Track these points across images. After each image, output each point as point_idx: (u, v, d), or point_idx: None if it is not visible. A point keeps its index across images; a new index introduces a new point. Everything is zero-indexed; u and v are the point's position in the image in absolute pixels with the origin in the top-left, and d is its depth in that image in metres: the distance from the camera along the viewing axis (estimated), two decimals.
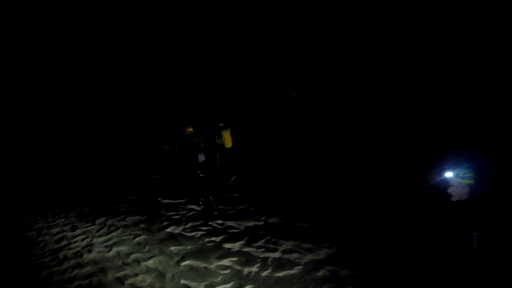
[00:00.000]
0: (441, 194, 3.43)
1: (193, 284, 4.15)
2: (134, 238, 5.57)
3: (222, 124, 8.66)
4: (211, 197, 6.85)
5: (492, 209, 3.12)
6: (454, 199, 3.29)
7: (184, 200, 7.56)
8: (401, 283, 3.92)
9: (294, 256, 4.84)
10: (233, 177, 7.66)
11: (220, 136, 8.47)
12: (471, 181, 3.18)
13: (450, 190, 3.29)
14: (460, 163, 3.25)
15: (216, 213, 6.68)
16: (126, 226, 6.05)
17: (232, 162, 9.25)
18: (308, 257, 4.77)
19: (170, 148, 11.37)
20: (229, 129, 8.47)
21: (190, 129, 6.91)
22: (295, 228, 5.86)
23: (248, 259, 4.77)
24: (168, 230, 5.89)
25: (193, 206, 7.14)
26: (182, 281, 4.20)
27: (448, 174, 3.27)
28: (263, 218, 6.40)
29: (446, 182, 3.27)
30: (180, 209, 6.99)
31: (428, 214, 4.87)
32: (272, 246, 5.18)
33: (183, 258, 4.81)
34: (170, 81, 17.67)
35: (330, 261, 4.63)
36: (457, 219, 3.20)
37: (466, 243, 3.19)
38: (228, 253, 4.97)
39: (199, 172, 6.76)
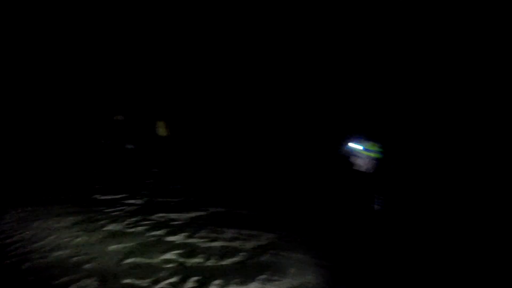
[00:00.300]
0: (349, 162, 3.70)
1: (137, 282, 4.07)
2: (73, 240, 5.30)
3: (157, 116, 8.67)
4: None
5: (391, 180, 3.40)
6: (360, 169, 3.54)
7: (124, 195, 7.33)
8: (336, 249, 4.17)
9: (237, 243, 4.94)
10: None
11: (156, 127, 8.51)
12: (376, 155, 3.44)
13: (356, 160, 3.55)
14: (370, 140, 3.52)
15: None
16: (63, 228, 5.73)
17: (169, 151, 9.24)
18: (252, 243, 4.89)
19: (104, 142, 10.92)
20: (163, 121, 8.52)
21: (119, 117, 6.89)
22: (237, 215, 5.97)
23: (192, 250, 4.77)
24: (108, 228, 5.68)
25: (133, 201, 6.95)
26: (126, 281, 4.10)
27: (358, 147, 3.52)
28: (205, 208, 6.42)
29: (354, 153, 3.53)
30: (120, 205, 6.77)
31: (342, 181, 5.17)
32: (215, 235, 5.23)
33: (125, 256, 4.69)
34: (108, 75, 17.04)
35: (272, 245, 4.79)
36: (364, 186, 3.42)
37: (370, 206, 3.46)
38: (171, 246, 4.92)
39: (127, 159, 6.75)
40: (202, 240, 5.09)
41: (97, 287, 4.06)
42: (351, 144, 3.58)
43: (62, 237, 5.38)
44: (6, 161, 11.01)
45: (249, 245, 4.85)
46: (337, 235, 4.50)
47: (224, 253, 4.67)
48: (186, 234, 5.32)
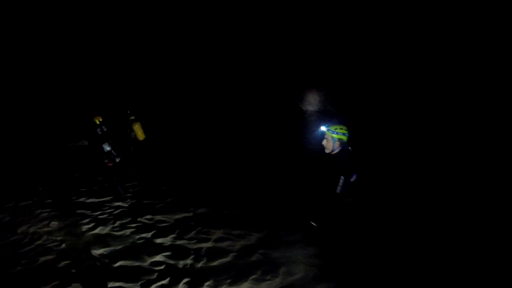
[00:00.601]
0: (318, 146, 3.88)
1: (128, 285, 4.04)
2: (60, 245, 5.21)
3: (133, 117, 8.65)
4: (118, 185, 7.17)
5: (357, 162, 3.59)
6: (326, 151, 3.78)
7: (110, 198, 7.23)
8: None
9: (226, 243, 4.95)
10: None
11: (132, 129, 8.50)
12: (341, 137, 3.69)
13: (323, 142, 3.80)
14: (335, 122, 3.80)
15: (125, 197, 7.13)
16: (49, 233, 5.62)
17: (145, 153, 9.27)
18: (240, 243, 4.92)
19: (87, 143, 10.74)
20: (139, 122, 8.50)
21: (97, 119, 7.16)
22: (225, 216, 5.98)
23: (182, 252, 4.76)
24: (96, 231, 5.61)
25: (120, 203, 6.87)
26: (116, 284, 4.06)
27: (323, 128, 3.77)
28: (191, 209, 6.40)
29: (324, 136, 3.70)
30: (107, 208, 6.68)
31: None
32: (204, 236, 5.23)
33: (114, 260, 4.64)
34: (85, 77, 16.84)
35: (261, 245, 4.83)
36: (330, 168, 3.64)
37: (334, 190, 3.60)
38: (160, 249, 4.90)
39: (106, 161, 6.88)
40: (191, 241, 5.08)
41: None
42: (322, 128, 3.76)
43: (49, 242, 5.29)
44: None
45: (238, 245, 4.87)
46: (325, 231, 4.57)
47: (214, 253, 4.68)
48: (174, 235, 5.30)
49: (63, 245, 5.14)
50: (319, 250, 4.49)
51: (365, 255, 4.36)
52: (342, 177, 3.53)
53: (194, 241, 5.09)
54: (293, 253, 4.52)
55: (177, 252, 4.78)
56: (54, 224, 5.98)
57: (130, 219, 6.05)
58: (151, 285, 4.03)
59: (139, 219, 6.03)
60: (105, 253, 4.84)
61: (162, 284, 4.03)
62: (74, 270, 4.44)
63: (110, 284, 4.06)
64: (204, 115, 16.15)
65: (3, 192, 7.97)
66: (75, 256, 4.81)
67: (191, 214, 6.17)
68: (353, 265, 4.16)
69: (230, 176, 8.51)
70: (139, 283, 4.08)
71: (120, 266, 4.47)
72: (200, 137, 13.79)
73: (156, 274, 4.26)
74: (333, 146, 3.73)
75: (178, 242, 5.08)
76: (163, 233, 5.41)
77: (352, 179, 3.55)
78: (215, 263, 4.44)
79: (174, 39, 18.13)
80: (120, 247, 5.02)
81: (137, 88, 17.75)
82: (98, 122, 7.20)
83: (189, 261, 4.51)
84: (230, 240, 5.02)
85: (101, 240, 5.25)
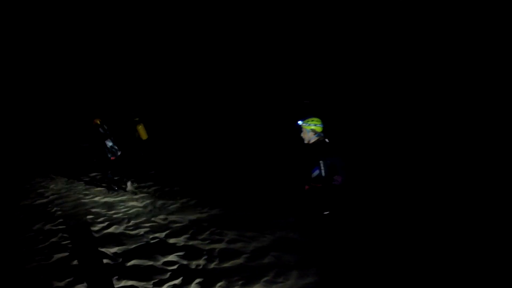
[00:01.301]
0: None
1: (141, 284, 3.98)
2: (74, 243, 5.20)
3: (137, 119, 9.12)
4: (109, 175, 7.85)
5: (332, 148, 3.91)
6: (304, 141, 4.08)
7: (126, 197, 7.24)
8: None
9: (239, 245, 4.86)
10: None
11: (136, 130, 8.97)
12: (313, 128, 3.99)
13: (301, 134, 4.10)
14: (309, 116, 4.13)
15: (116, 189, 7.71)
16: (64, 231, 5.63)
17: (148, 153, 9.56)
18: (253, 245, 4.82)
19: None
20: (142, 124, 9.00)
21: (97, 120, 7.76)
22: (237, 217, 5.90)
23: (195, 253, 4.69)
24: (109, 230, 5.59)
25: (135, 203, 6.86)
26: (129, 283, 4.01)
27: (299, 122, 4.10)
28: (205, 210, 6.34)
29: (301, 129, 4.08)
30: (121, 207, 6.67)
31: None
32: (217, 237, 5.15)
33: (127, 259, 4.60)
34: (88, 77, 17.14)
35: (274, 247, 4.73)
36: (310, 156, 3.92)
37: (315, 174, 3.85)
38: (174, 248, 4.84)
39: (109, 155, 7.61)
40: (204, 242, 5.00)
41: None
42: (298, 122, 4.04)
43: (63, 239, 5.28)
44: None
45: (251, 246, 4.77)
46: (337, 234, 4.46)
47: (227, 255, 4.59)
48: (187, 236, 5.23)
49: (77, 243, 5.13)
50: (332, 254, 4.37)
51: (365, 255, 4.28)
52: (321, 162, 3.77)
53: (207, 242, 5.01)
54: (305, 256, 4.41)
55: (190, 252, 4.70)
56: (69, 222, 5.99)
57: (144, 218, 6.01)
58: (163, 284, 3.96)
59: (153, 219, 5.99)
60: (118, 251, 4.80)
61: (175, 284, 3.95)
62: (87, 268, 4.41)
63: (123, 283, 4.01)
64: (209, 116, 16.28)
65: (19, 189, 8.07)
66: (89, 254, 4.78)
67: (204, 215, 6.10)
68: (368, 269, 4.03)
69: (239, 176, 8.48)
70: (152, 282, 4.02)
71: (133, 265, 4.42)
72: (208, 137, 13.84)
73: (169, 273, 4.19)
74: (308, 136, 4.02)
75: (191, 243, 5.01)
76: (176, 233, 5.35)
77: (327, 163, 3.80)
78: (227, 264, 4.35)
79: (178, 42, 18.32)
80: (133, 246, 4.97)
81: (143, 91, 18.02)
82: (98, 123, 7.76)
83: (202, 262, 4.43)
84: (243, 242, 4.92)
85: (115, 239, 5.22)
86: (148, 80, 18.44)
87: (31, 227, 5.79)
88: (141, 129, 9.08)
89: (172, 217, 6.03)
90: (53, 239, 5.27)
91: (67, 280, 4.10)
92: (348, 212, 5.49)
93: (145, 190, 7.75)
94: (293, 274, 4.02)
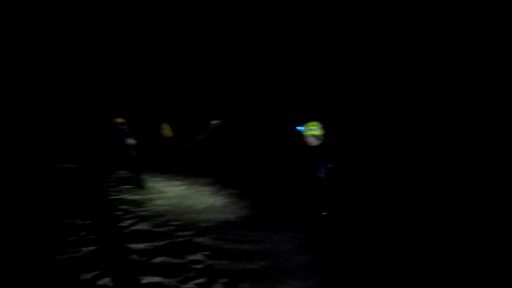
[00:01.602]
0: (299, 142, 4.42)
1: (166, 280, 3.92)
2: (103, 238, 5.22)
3: (160, 118, 9.73)
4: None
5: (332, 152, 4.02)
6: (307, 144, 4.20)
7: (154, 196, 7.29)
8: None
9: (266, 246, 4.74)
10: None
11: (161, 128, 9.42)
12: (313, 133, 4.12)
13: (303, 138, 4.22)
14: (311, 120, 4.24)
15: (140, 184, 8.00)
16: (94, 226, 5.68)
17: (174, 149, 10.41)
18: (282, 247, 4.69)
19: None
20: (165, 123, 9.51)
21: (119, 120, 8.26)
22: (265, 219, 5.79)
23: (221, 253, 4.59)
24: (136, 227, 5.60)
25: (163, 202, 6.87)
26: (154, 279, 3.96)
27: (301, 128, 4.24)
28: (233, 211, 6.27)
29: (299, 132, 4.37)
30: (149, 205, 6.70)
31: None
32: (243, 238, 5.04)
33: (153, 256, 4.56)
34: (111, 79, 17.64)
35: (303, 249, 4.58)
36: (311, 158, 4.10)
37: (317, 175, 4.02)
38: (200, 248, 4.76)
39: (129, 152, 8.13)
40: (230, 242, 4.90)
41: (125, 285, 3.95)
42: (298, 128, 4.09)
43: (93, 234, 5.32)
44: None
45: (279, 249, 4.64)
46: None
47: (253, 256, 4.47)
48: (214, 236, 5.14)
49: (105, 238, 5.15)
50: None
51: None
52: (321, 163, 3.90)
53: (234, 242, 4.91)
54: (317, 259, 4.26)
55: (216, 252, 4.61)
56: (98, 218, 6.05)
57: (171, 217, 6.00)
58: (188, 282, 3.88)
59: (180, 217, 5.96)
60: (145, 248, 4.78)
61: (199, 282, 3.87)
62: (114, 263, 4.40)
63: (149, 279, 3.95)
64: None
65: (51, 187, 8.28)
66: (116, 249, 4.78)
67: (232, 216, 6.03)
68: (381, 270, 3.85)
69: (261, 176, 8.41)
70: (177, 279, 3.95)
71: (159, 262, 4.37)
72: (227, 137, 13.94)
73: (194, 272, 4.11)
74: (310, 141, 4.16)
75: (218, 243, 4.91)
76: (203, 232, 5.29)
77: (329, 166, 3.92)
78: (253, 266, 4.21)
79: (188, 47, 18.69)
80: (160, 243, 4.94)
81: (163, 93, 18.48)
82: (119, 121, 8.26)
83: (227, 262, 4.33)
84: (271, 243, 4.80)
85: (142, 236, 5.20)
86: (167, 83, 18.91)
87: (61, 221, 5.88)
88: (165, 127, 9.57)
89: (199, 216, 5.98)
90: (82, 233, 5.32)
91: (94, 273, 4.08)
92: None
93: (172, 189, 7.77)
94: (325, 278, 3.85)
